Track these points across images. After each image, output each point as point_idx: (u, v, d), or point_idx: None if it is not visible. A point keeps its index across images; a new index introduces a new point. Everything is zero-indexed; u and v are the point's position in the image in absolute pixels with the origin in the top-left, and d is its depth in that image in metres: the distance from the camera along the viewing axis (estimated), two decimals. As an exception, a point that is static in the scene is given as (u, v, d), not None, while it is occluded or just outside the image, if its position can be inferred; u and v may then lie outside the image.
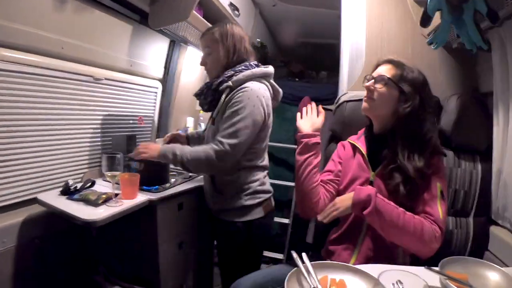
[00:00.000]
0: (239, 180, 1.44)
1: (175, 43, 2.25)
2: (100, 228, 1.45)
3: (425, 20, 1.20)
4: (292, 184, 2.69)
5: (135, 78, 1.99)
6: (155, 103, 2.21)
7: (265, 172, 1.54)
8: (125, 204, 1.41)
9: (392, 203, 1.10)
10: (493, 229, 1.42)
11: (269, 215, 1.52)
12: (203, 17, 1.92)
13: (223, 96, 1.38)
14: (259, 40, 2.88)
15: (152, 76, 2.17)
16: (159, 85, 2.22)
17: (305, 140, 1.27)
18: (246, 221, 1.45)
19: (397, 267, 0.97)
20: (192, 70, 2.56)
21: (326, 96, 2.86)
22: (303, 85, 3.04)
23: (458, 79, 1.73)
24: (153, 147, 1.44)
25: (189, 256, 1.80)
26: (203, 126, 2.59)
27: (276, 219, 2.56)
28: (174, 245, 1.67)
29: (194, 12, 1.76)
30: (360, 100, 1.52)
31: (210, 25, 1.94)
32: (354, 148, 1.33)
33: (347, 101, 1.58)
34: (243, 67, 1.40)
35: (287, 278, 0.84)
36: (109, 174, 1.38)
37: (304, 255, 0.94)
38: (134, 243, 1.65)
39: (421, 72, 1.24)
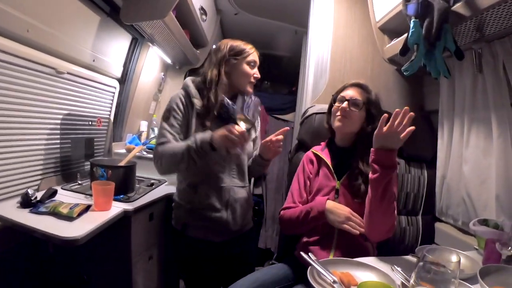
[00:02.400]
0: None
1: (137, 42, 2.15)
2: (57, 245, 1.36)
3: (404, 51, 1.43)
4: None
5: (96, 75, 1.84)
6: (111, 103, 2.06)
7: None
8: (101, 216, 1.31)
9: None
10: (437, 225, 1.73)
11: None
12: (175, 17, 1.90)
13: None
14: (214, 46, 2.90)
15: (111, 74, 2.03)
16: (117, 85, 2.08)
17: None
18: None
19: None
20: (151, 71, 2.48)
21: (279, 106, 3.08)
22: (256, 94, 3.11)
23: (408, 98, 2.04)
24: None
25: (158, 269, 1.75)
26: (156, 131, 2.50)
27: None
28: (145, 259, 1.61)
29: (170, 12, 1.73)
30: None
31: (180, 26, 1.97)
32: (320, 159, 1.51)
33: (316, 113, 1.75)
34: None
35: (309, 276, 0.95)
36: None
37: (311, 255, 1.07)
38: (102, 258, 1.51)
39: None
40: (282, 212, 1.49)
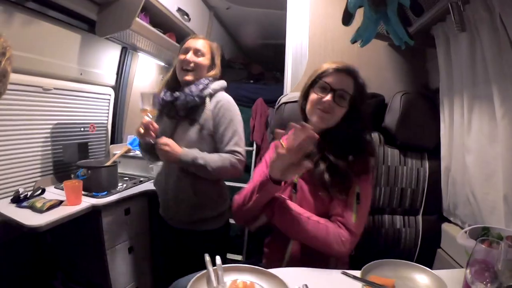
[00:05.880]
0: (217, 188, 1.52)
1: (127, 50, 2.25)
2: (55, 234, 1.60)
3: (346, 18, 1.18)
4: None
5: (86, 86, 1.99)
6: (108, 110, 2.23)
7: None
8: (68, 210, 1.48)
9: (298, 210, 1.11)
10: (444, 226, 1.41)
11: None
12: (150, 24, 1.93)
13: (207, 101, 1.47)
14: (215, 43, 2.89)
15: (104, 83, 2.17)
16: (112, 92, 2.23)
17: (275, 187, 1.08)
18: (221, 227, 1.55)
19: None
20: (145, 75, 2.59)
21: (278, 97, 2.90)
22: (257, 87, 3.05)
23: (407, 76, 1.70)
24: (175, 146, 1.41)
25: (142, 260, 1.85)
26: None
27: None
28: (123, 249, 1.72)
29: (138, 20, 1.76)
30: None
31: (156, 31, 2.01)
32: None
33: (286, 103, 1.56)
34: (210, 78, 1.52)
35: (192, 280, 0.85)
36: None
37: (218, 258, 0.94)
38: (84, 248, 1.71)
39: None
40: (236, 196, 1.22)
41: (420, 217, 1.49)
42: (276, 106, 1.62)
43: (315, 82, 1.19)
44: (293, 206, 1.14)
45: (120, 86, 2.28)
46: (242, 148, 1.47)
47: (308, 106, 1.20)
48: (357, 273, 0.93)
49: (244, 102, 2.88)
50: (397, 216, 1.49)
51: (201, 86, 1.46)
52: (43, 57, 1.70)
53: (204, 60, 1.52)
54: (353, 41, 1.23)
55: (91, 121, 2.10)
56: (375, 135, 1.54)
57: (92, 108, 2.12)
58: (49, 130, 1.82)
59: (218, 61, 1.58)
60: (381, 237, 1.47)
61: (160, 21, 2.04)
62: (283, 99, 1.60)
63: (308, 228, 1.09)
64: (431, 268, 1.36)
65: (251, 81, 3.23)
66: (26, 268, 1.71)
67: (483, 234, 1.02)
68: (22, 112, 1.66)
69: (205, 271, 0.90)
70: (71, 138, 1.95)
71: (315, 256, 1.13)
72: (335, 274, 0.98)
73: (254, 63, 3.38)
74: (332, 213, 1.14)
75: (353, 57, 1.70)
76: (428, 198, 1.47)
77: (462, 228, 1.34)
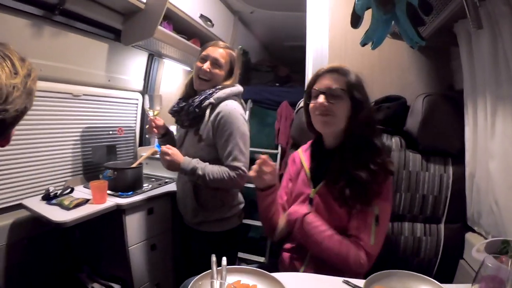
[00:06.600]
0: (220, 195, 1.54)
1: (153, 56, 2.34)
2: (83, 230, 1.69)
3: (355, 21, 1.14)
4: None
5: (114, 91, 2.09)
6: (136, 114, 2.33)
7: None
8: (93, 208, 1.57)
9: (321, 227, 1.12)
10: (468, 236, 1.34)
11: (243, 222, 1.69)
12: (173, 31, 1.99)
13: (207, 112, 1.46)
14: (240, 46, 2.90)
15: (132, 88, 2.27)
16: (140, 97, 2.32)
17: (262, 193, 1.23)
18: (226, 230, 1.57)
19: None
20: (172, 80, 2.67)
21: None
22: (283, 90, 3.02)
23: (431, 77, 1.64)
24: (177, 156, 1.47)
25: (164, 258, 1.92)
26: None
27: (260, 223, 2.51)
28: (146, 247, 1.79)
29: (160, 28, 1.82)
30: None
31: (180, 38, 2.04)
32: (302, 161, 1.29)
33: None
34: (220, 86, 1.52)
35: (195, 279, 0.87)
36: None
37: (224, 259, 0.94)
38: (109, 244, 1.79)
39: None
40: None
41: (442, 226, 1.42)
42: (296, 110, 1.62)
43: (308, 95, 1.22)
44: (318, 222, 1.14)
45: (147, 91, 2.38)
46: (242, 163, 1.45)
47: (312, 118, 1.22)
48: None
49: (269, 105, 2.91)
50: (418, 223, 1.44)
51: (202, 96, 1.48)
52: (71, 65, 1.82)
53: (221, 72, 1.54)
54: (363, 43, 1.19)
55: (120, 124, 2.22)
56: (396, 139, 1.49)
57: (120, 112, 2.23)
58: (79, 134, 1.94)
59: (236, 71, 1.59)
60: (400, 245, 1.42)
61: (184, 28, 2.11)
62: (302, 103, 1.59)
63: (330, 246, 1.10)
64: (451, 280, 1.32)
65: (277, 84, 3.21)
66: (55, 261, 1.83)
67: (502, 247, 0.97)
68: (54, 117, 1.79)
69: (210, 271, 0.92)
70: (100, 140, 2.07)
71: (332, 267, 1.13)
72: (337, 282, 0.97)
73: (281, 66, 3.35)
74: (350, 233, 1.13)
75: (374, 59, 1.66)
76: (452, 206, 1.41)
77: (486, 238, 1.26)
